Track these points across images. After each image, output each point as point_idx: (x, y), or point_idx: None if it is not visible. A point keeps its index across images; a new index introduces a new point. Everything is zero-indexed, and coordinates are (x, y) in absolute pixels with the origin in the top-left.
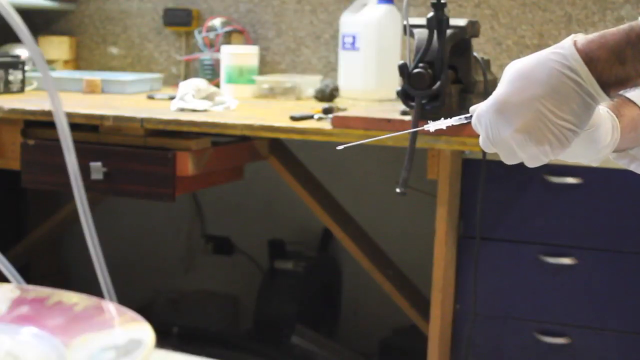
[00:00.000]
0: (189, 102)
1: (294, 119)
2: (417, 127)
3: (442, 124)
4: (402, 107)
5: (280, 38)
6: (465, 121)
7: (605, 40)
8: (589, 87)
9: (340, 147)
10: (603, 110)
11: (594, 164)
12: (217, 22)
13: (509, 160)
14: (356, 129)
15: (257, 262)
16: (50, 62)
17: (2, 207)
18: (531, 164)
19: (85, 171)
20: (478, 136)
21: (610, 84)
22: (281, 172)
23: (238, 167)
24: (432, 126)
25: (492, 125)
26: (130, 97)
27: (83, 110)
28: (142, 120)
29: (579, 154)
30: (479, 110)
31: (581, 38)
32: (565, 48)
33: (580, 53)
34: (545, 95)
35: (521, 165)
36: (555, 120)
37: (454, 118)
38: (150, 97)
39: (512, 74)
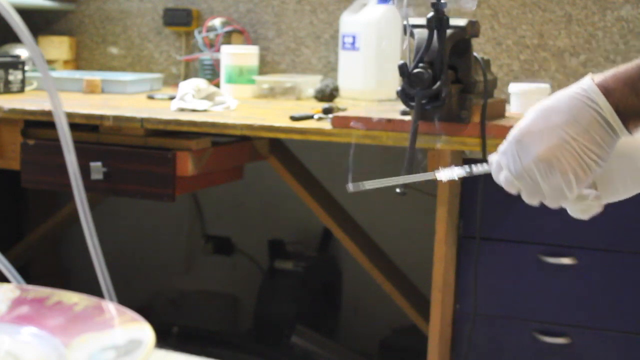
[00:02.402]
0: (189, 102)
1: (294, 119)
2: (417, 126)
3: (455, 174)
4: (402, 107)
5: (280, 38)
6: (482, 170)
7: (619, 74)
8: (608, 115)
9: (351, 190)
10: None
11: None
12: (217, 22)
13: (531, 196)
14: (356, 129)
15: (257, 262)
16: (50, 62)
17: (2, 207)
18: (553, 201)
19: (85, 171)
20: (478, 136)
21: (628, 116)
22: (281, 172)
23: (238, 167)
24: (443, 176)
25: (514, 156)
26: (130, 97)
27: (83, 110)
28: (142, 120)
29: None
30: (499, 150)
31: (598, 75)
32: (584, 83)
33: (598, 86)
34: (568, 123)
35: None
36: (577, 148)
37: (467, 165)
38: (150, 97)
39: (533, 110)
